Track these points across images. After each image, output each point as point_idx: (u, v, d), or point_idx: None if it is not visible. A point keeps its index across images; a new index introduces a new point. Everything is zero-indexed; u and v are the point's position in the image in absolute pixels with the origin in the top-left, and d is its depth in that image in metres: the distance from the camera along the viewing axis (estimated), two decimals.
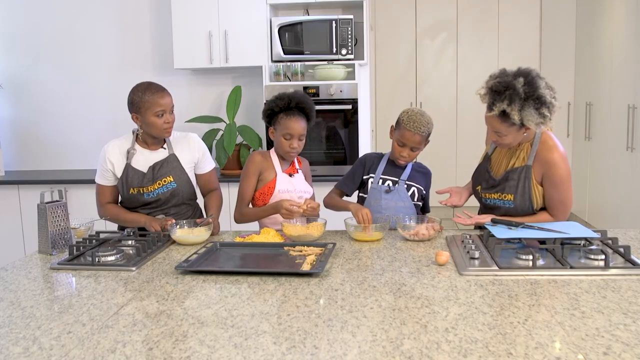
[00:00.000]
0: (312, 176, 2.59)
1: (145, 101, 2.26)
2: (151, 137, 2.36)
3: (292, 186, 2.39)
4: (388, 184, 2.39)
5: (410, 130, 2.28)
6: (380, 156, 2.48)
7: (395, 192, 2.38)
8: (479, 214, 2.41)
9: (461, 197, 2.35)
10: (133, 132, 2.41)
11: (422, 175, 2.47)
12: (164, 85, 2.36)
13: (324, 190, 2.51)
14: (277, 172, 2.39)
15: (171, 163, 2.38)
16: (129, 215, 2.36)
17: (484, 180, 2.26)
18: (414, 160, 2.48)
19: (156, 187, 2.34)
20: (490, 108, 2.03)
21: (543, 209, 2.18)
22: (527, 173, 2.12)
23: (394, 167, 2.43)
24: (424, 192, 2.45)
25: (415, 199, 2.41)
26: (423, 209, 2.51)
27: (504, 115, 1.99)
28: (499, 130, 2.05)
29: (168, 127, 2.31)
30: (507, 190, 2.15)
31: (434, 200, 2.47)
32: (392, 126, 2.41)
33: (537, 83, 1.97)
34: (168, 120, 2.30)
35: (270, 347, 1.22)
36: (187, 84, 4.49)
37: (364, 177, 2.45)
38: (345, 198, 2.49)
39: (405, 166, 2.43)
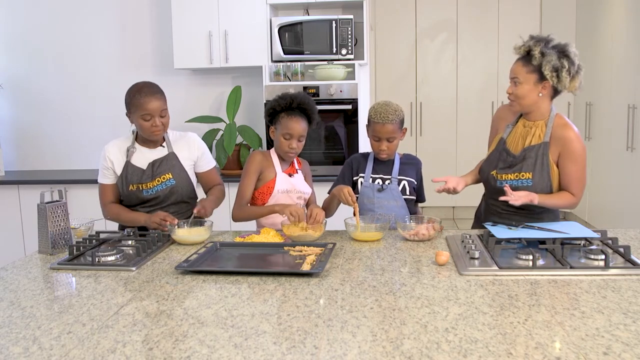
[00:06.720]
0: (312, 176, 2.59)
1: (134, 104, 2.27)
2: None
3: (292, 186, 2.39)
4: (379, 182, 2.39)
5: (379, 122, 2.32)
6: (366, 155, 2.49)
7: (388, 191, 2.38)
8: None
9: (458, 183, 2.32)
10: (133, 132, 2.42)
11: (411, 166, 2.47)
12: (164, 85, 2.36)
13: (324, 189, 2.51)
14: (277, 172, 2.39)
15: (170, 161, 2.38)
16: (129, 214, 2.37)
17: (502, 160, 2.26)
18: (402, 153, 2.48)
19: (155, 184, 2.35)
20: (518, 50, 2.18)
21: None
22: (545, 149, 2.15)
23: (381, 164, 2.43)
24: (415, 183, 2.45)
25: (408, 193, 2.40)
26: (418, 199, 2.50)
27: (527, 55, 2.11)
28: (517, 75, 2.14)
29: (156, 130, 2.30)
30: (525, 169, 2.17)
31: (429, 190, 2.47)
32: (366, 125, 2.44)
33: (570, 48, 2.12)
34: (156, 124, 2.28)
35: (270, 347, 1.22)
36: (187, 84, 4.49)
37: (354, 178, 2.45)
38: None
39: (394, 161, 2.43)
